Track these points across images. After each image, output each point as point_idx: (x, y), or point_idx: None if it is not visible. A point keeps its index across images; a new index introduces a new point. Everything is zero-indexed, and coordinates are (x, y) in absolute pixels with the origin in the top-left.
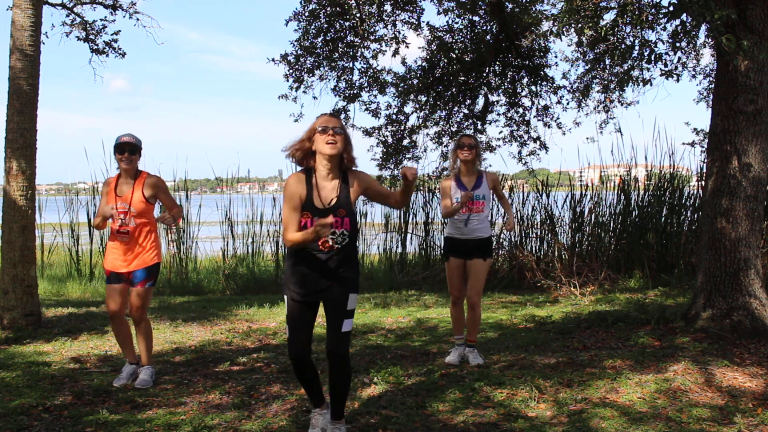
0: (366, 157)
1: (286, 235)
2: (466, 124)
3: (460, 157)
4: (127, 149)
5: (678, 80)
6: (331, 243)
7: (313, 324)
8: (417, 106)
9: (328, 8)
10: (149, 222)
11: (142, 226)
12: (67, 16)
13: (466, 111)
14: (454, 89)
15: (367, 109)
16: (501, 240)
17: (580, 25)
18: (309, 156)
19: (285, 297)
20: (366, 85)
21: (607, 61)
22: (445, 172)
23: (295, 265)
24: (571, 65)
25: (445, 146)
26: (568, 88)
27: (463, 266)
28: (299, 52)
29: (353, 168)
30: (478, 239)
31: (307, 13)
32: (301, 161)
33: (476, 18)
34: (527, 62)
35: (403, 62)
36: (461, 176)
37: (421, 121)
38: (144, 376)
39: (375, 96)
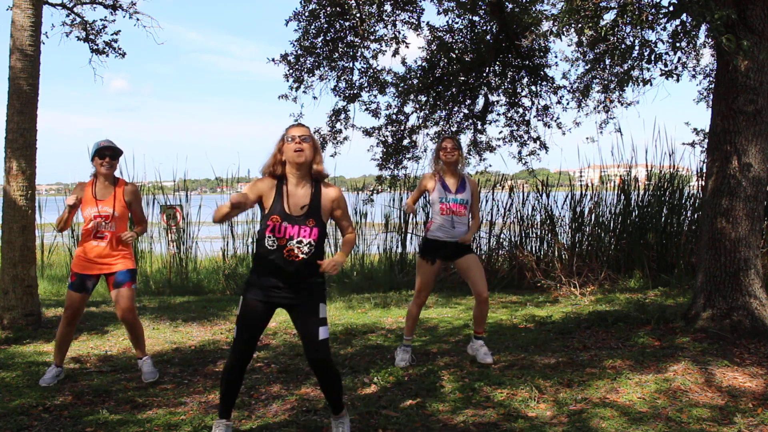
0: (366, 157)
1: (217, 210)
2: (466, 124)
3: (443, 158)
4: (109, 154)
5: (678, 80)
6: (296, 252)
7: (264, 328)
8: (417, 106)
9: (328, 8)
10: (125, 229)
11: (120, 231)
12: (67, 16)
13: (466, 111)
14: (454, 89)
15: (367, 109)
16: (501, 240)
17: (580, 25)
18: (281, 166)
19: (242, 297)
20: (366, 85)
21: (607, 61)
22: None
23: (260, 270)
24: (571, 65)
25: None
26: (568, 88)
27: (439, 270)
28: (299, 52)
29: (326, 180)
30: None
31: (307, 13)
32: (280, 174)
33: (476, 18)
34: (527, 62)
35: (403, 62)
36: (445, 177)
37: (421, 121)
38: (147, 369)
39: (375, 96)
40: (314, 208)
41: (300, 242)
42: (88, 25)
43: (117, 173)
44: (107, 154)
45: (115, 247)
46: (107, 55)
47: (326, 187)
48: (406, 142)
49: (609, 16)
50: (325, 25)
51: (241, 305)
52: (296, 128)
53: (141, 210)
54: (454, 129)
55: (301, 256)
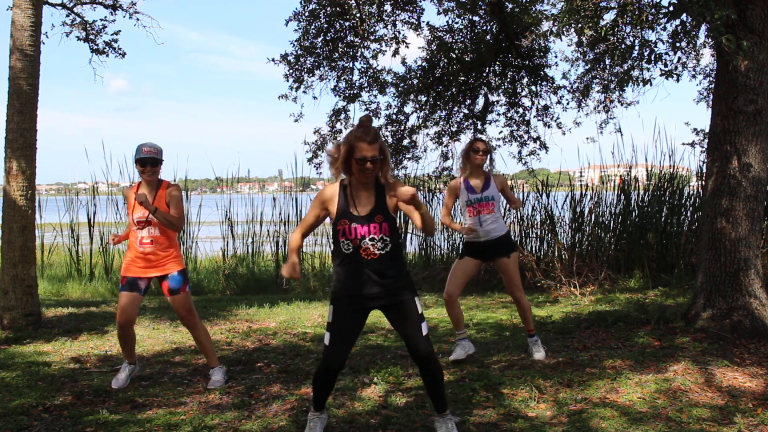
0: None
1: (294, 232)
2: (466, 124)
3: (473, 161)
4: (149, 162)
5: (678, 80)
6: (372, 250)
7: (359, 335)
8: (417, 106)
9: (328, 8)
10: (172, 232)
11: (166, 234)
12: (67, 16)
13: (466, 111)
14: (454, 89)
15: (367, 109)
16: None
17: (580, 25)
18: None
19: (331, 306)
20: (366, 85)
21: (607, 61)
22: (445, 172)
23: (343, 272)
24: (571, 65)
25: (445, 146)
26: (568, 88)
27: (477, 268)
28: (299, 52)
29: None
30: (496, 238)
31: (307, 13)
32: (339, 173)
33: (476, 18)
34: (527, 62)
35: (403, 62)
36: (470, 178)
37: (421, 121)
38: (217, 377)
39: (375, 96)
40: (380, 205)
41: (373, 239)
42: (88, 25)
43: (117, 173)
44: (148, 162)
45: (162, 249)
46: (107, 55)
47: (389, 185)
48: (406, 142)
49: (609, 16)
50: (325, 25)
51: (332, 314)
52: (367, 148)
53: (177, 208)
54: (454, 129)
55: (377, 252)
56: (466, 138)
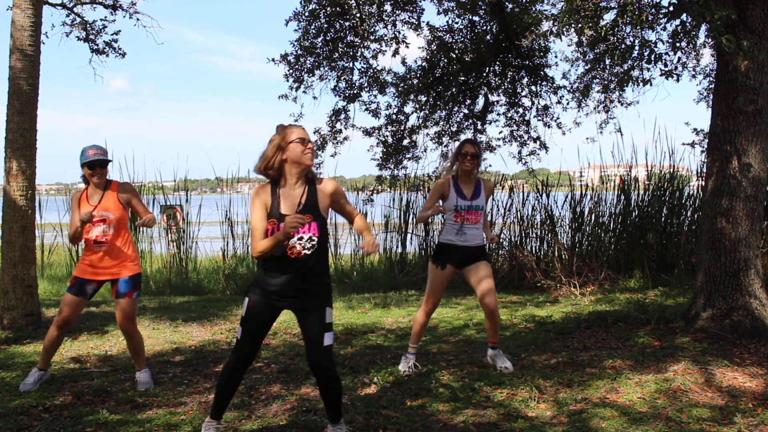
0: (366, 157)
1: (254, 244)
2: (466, 124)
3: (462, 166)
4: (98, 164)
5: (678, 80)
6: (299, 249)
7: (268, 330)
8: (417, 106)
9: (328, 8)
10: (126, 231)
11: (120, 234)
12: (67, 16)
13: (466, 111)
14: (454, 89)
15: (367, 109)
16: (501, 240)
17: (580, 25)
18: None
19: (246, 298)
20: (366, 85)
21: (607, 61)
22: (445, 172)
23: (265, 270)
24: (571, 65)
25: (445, 146)
26: (568, 88)
27: (452, 275)
28: (299, 52)
29: (318, 177)
30: (478, 246)
31: (307, 13)
32: (274, 174)
33: (476, 18)
34: (527, 62)
35: (403, 62)
36: (460, 182)
37: (421, 121)
38: (144, 378)
39: (375, 96)
40: (310, 204)
41: (301, 238)
42: (88, 25)
43: (118, 173)
44: (97, 165)
45: (117, 251)
46: (107, 55)
47: (320, 183)
48: (406, 142)
49: (609, 16)
50: (325, 25)
51: (245, 307)
52: (301, 130)
53: (141, 203)
54: (454, 129)
55: (303, 252)
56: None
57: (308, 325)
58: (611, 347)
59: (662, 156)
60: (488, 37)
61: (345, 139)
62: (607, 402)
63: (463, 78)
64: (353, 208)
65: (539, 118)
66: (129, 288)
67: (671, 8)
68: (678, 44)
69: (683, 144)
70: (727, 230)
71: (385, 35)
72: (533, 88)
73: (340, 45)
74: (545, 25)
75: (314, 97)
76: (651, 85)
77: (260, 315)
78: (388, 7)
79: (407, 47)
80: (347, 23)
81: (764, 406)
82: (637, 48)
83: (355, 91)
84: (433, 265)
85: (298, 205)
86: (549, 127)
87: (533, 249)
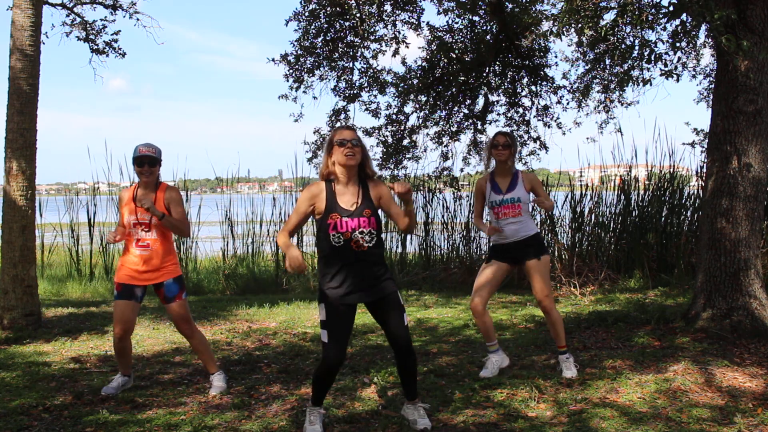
0: None
1: (281, 232)
2: (466, 124)
3: (495, 157)
4: (147, 161)
5: (678, 80)
6: (362, 242)
7: (352, 328)
8: (417, 106)
9: (328, 8)
10: (169, 234)
11: (164, 237)
12: (67, 16)
13: (466, 111)
14: (454, 89)
15: (367, 109)
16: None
17: (580, 25)
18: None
19: (322, 303)
20: (366, 85)
21: (607, 61)
22: (445, 172)
23: (330, 267)
24: (571, 65)
25: (445, 146)
26: (568, 88)
27: (505, 273)
28: (299, 52)
29: (374, 178)
30: (523, 238)
31: (307, 13)
32: (335, 176)
33: (476, 18)
34: (527, 62)
35: (403, 62)
36: (495, 177)
37: (421, 121)
38: (218, 382)
39: (375, 96)
40: (366, 200)
41: (362, 232)
42: (88, 25)
43: (118, 172)
44: (146, 161)
45: (160, 254)
46: (107, 55)
47: (371, 182)
48: (406, 142)
49: (609, 16)
50: (325, 25)
51: (324, 312)
52: (346, 131)
53: (180, 212)
54: (454, 129)
55: (365, 245)
56: (466, 138)
57: (387, 313)
58: (611, 347)
59: (662, 156)
60: (488, 37)
61: None
62: (607, 402)
63: (463, 78)
64: (400, 211)
65: (539, 118)
66: (176, 291)
67: (671, 8)
68: (678, 44)
69: (683, 144)
70: (727, 230)
71: (385, 35)
72: (533, 88)
73: (340, 45)
74: (545, 25)
75: (314, 97)
76: (651, 85)
77: (342, 316)
78: (388, 7)
79: (407, 47)
80: (347, 23)
81: (764, 406)
82: (637, 48)
83: (355, 91)
84: (486, 262)
85: (354, 204)
86: (549, 127)
87: None
